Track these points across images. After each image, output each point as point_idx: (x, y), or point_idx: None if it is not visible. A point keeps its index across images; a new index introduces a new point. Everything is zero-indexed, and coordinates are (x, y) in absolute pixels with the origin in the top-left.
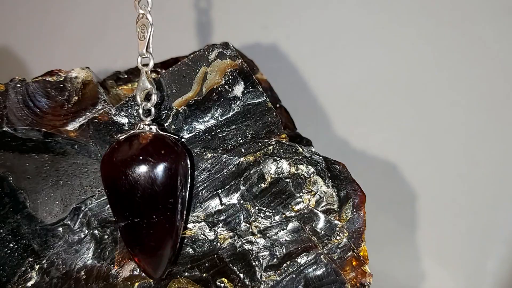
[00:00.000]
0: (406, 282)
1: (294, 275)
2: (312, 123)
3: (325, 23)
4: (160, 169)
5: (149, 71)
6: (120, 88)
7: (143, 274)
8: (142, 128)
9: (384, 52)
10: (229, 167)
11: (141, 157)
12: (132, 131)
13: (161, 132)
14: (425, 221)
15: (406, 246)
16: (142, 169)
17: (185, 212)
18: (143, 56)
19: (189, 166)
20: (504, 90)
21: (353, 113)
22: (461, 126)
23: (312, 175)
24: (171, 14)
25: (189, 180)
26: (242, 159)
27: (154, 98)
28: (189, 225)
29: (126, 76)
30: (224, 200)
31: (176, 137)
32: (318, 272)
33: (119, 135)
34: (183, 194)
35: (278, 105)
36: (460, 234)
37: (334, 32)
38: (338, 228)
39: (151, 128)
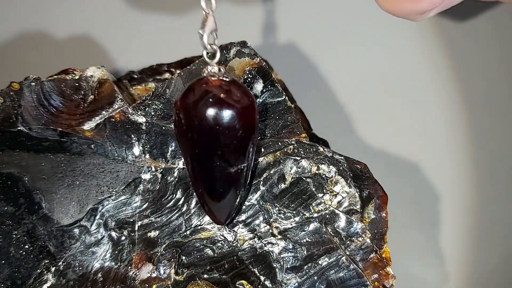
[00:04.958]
0: (429, 284)
1: (315, 277)
2: (326, 124)
3: (333, 17)
4: (246, 113)
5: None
6: (134, 88)
7: (160, 275)
8: (215, 71)
9: (404, 46)
10: None
11: (229, 100)
12: (205, 74)
13: (235, 78)
14: (448, 222)
15: (429, 247)
16: (229, 112)
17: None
18: None
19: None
20: None
21: (369, 112)
22: (488, 126)
23: (334, 175)
24: (182, 16)
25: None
26: (261, 159)
27: (217, 41)
28: (208, 226)
29: (139, 75)
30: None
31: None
32: (340, 274)
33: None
34: (256, 143)
35: (293, 106)
36: (485, 235)
37: (342, 27)
38: (360, 229)
39: (221, 70)
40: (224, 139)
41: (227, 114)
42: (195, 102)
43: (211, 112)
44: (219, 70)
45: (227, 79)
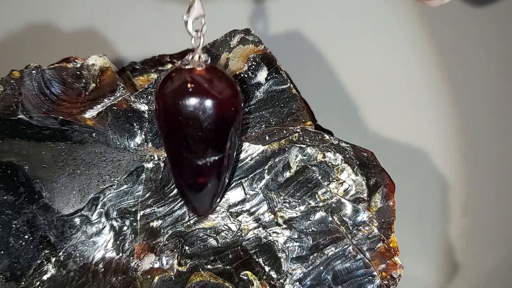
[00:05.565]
0: (437, 276)
1: (321, 267)
2: (331, 115)
3: (335, 8)
4: (228, 102)
5: None
6: (136, 79)
7: (162, 266)
8: (198, 59)
9: (410, 34)
10: (253, 156)
11: (209, 89)
12: (189, 61)
13: (219, 68)
14: (457, 212)
15: (437, 238)
16: (210, 101)
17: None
18: None
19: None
20: None
21: (374, 104)
22: (495, 114)
23: (340, 162)
24: (185, 7)
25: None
26: (266, 147)
27: (205, 27)
28: (211, 216)
29: (142, 66)
30: (248, 189)
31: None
32: (347, 264)
33: (176, 65)
34: (238, 133)
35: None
36: (494, 225)
37: (345, 18)
38: (367, 218)
39: (206, 60)
40: (202, 127)
41: (207, 102)
42: (172, 91)
43: (190, 100)
44: (199, 57)
45: (207, 67)
